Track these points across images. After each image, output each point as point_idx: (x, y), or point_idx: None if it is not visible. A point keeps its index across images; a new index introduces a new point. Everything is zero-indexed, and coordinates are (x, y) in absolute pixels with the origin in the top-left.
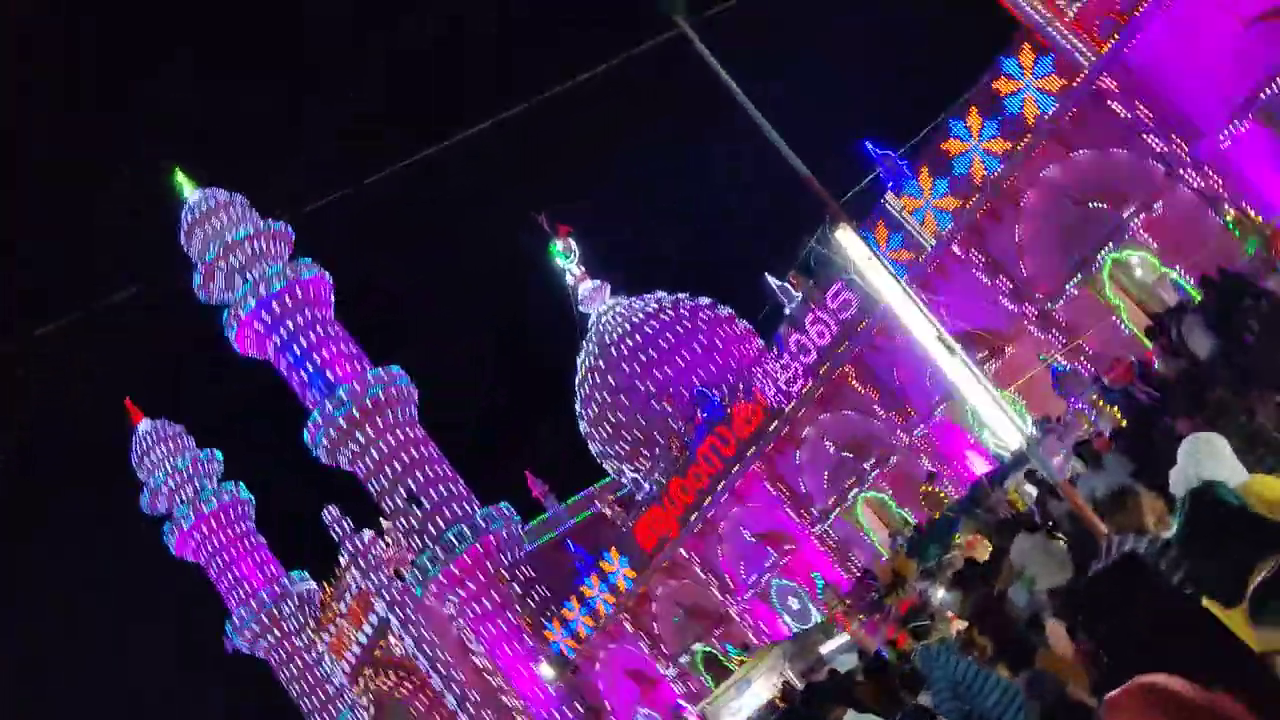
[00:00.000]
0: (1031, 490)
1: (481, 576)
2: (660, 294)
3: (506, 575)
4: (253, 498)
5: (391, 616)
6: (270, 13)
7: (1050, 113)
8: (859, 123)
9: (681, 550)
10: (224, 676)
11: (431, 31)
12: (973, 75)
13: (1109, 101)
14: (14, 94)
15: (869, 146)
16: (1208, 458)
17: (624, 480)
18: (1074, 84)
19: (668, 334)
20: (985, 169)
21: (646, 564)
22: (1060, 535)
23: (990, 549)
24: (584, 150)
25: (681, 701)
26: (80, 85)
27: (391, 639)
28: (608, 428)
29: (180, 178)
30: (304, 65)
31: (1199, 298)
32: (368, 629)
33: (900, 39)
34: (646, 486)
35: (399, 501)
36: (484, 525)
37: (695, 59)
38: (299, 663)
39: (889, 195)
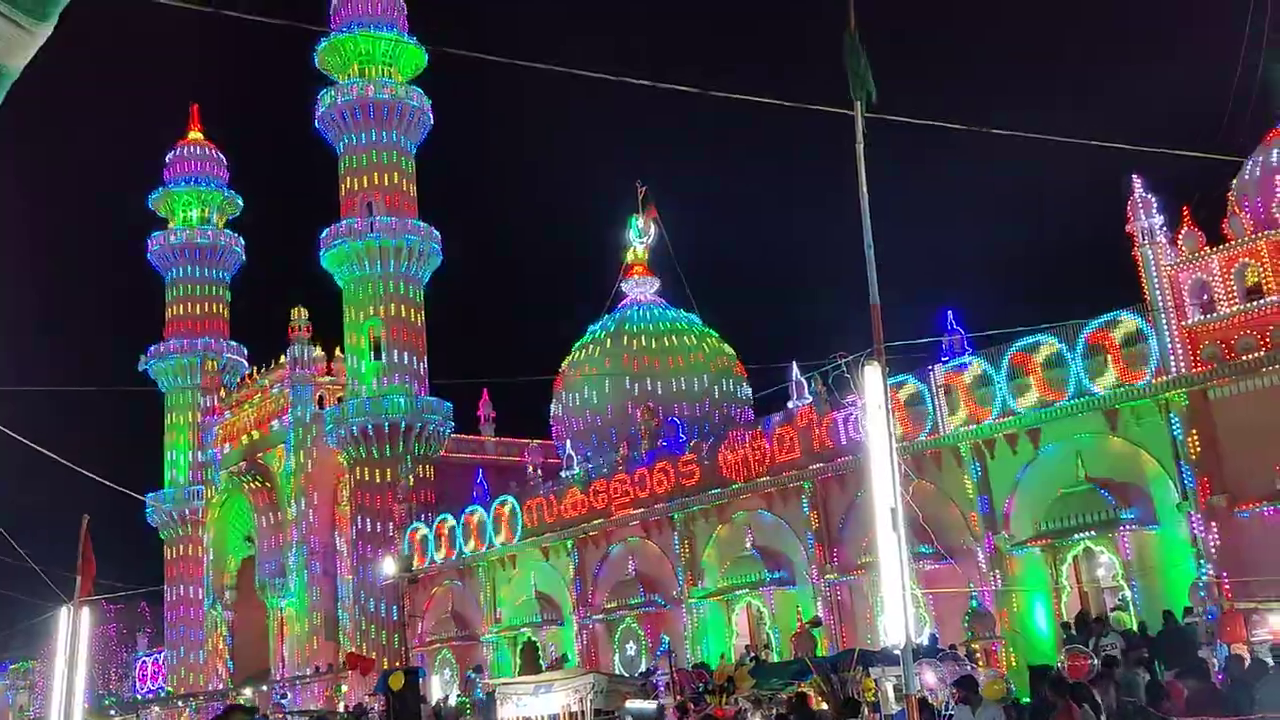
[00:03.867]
0: (888, 688)
1: (384, 454)
2: (694, 318)
3: (409, 465)
4: (243, 257)
5: (294, 434)
6: None
7: (1104, 384)
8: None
9: (570, 542)
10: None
11: None
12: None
13: (1171, 410)
14: None
15: (950, 315)
16: None
17: (560, 450)
18: (1163, 378)
19: (680, 357)
20: (1033, 400)
21: (534, 534)
22: None
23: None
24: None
25: (481, 666)
26: None
27: (276, 454)
28: (578, 398)
29: None
30: None
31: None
32: (273, 426)
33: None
34: (575, 469)
35: (364, 342)
36: (419, 410)
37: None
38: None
39: (936, 368)
